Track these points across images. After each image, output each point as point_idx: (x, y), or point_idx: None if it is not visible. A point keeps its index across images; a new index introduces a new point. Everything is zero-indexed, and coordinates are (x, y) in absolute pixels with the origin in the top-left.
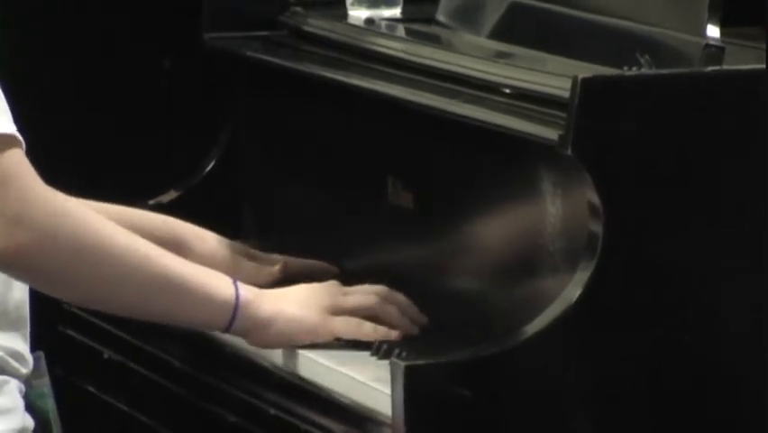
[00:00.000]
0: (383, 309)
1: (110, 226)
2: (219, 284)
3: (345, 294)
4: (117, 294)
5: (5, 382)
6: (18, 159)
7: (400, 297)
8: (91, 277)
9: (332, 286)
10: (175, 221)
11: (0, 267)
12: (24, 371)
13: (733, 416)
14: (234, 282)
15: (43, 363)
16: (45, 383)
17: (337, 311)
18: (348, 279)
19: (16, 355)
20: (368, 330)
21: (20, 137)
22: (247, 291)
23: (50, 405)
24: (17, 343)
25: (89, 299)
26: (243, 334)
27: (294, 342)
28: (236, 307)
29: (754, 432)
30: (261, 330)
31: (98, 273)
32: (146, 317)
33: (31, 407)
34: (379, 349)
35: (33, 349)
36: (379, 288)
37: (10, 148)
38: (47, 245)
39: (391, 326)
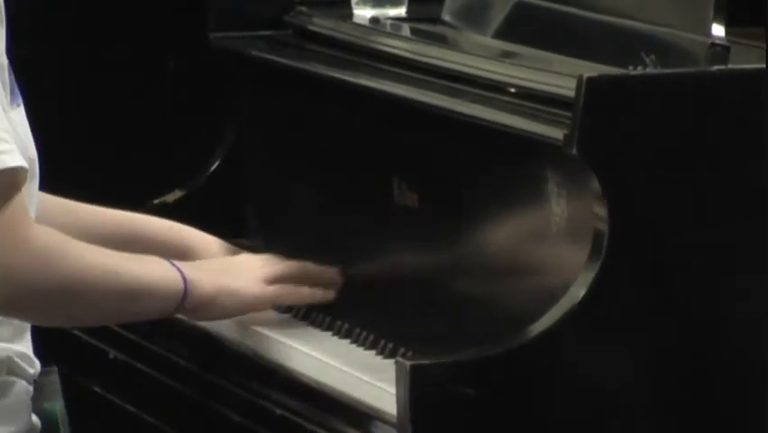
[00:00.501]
0: (310, 269)
1: (89, 255)
2: (168, 274)
3: (274, 263)
4: (96, 315)
5: (12, 384)
6: (13, 205)
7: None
8: (73, 309)
9: (262, 258)
10: (181, 227)
11: None
12: (32, 371)
13: (738, 415)
14: (175, 265)
15: (56, 378)
16: (57, 399)
17: (271, 280)
18: (353, 280)
19: (23, 357)
20: (305, 293)
21: (21, 165)
22: (190, 272)
23: (57, 408)
24: (22, 345)
25: (68, 324)
26: (188, 312)
27: (235, 315)
28: (185, 290)
29: (757, 429)
30: (205, 307)
31: (80, 305)
32: (113, 322)
33: (38, 409)
34: (384, 348)
35: (41, 354)
36: (302, 264)
37: (7, 190)
38: (42, 296)
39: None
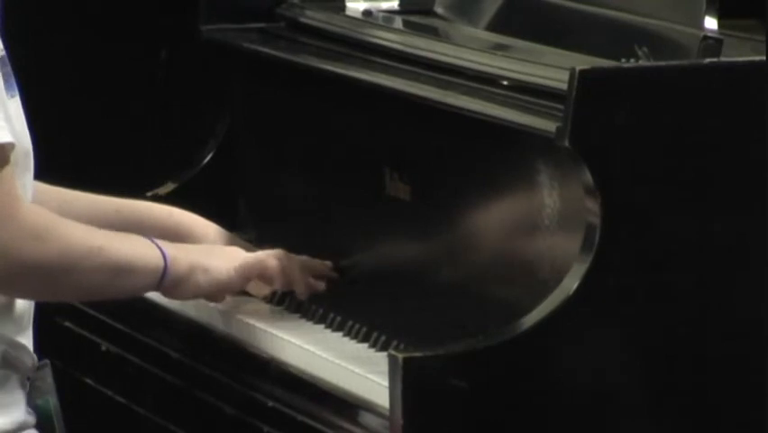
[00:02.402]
0: (286, 268)
1: (77, 232)
2: (149, 251)
3: (257, 255)
4: (82, 290)
5: (8, 377)
6: (3, 181)
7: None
8: (60, 284)
9: (240, 249)
10: (181, 213)
11: None
12: (29, 364)
13: (732, 406)
14: (155, 243)
15: (49, 372)
16: (50, 395)
17: (249, 268)
18: (345, 272)
19: (20, 349)
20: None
21: (10, 141)
22: (170, 249)
23: (51, 403)
24: (23, 338)
25: (55, 299)
26: (166, 290)
27: (208, 292)
28: (165, 267)
29: (753, 422)
30: (181, 283)
31: (68, 280)
32: (98, 298)
33: (31, 405)
34: (376, 341)
35: (34, 347)
36: (281, 252)
37: None
38: (32, 271)
39: (292, 280)
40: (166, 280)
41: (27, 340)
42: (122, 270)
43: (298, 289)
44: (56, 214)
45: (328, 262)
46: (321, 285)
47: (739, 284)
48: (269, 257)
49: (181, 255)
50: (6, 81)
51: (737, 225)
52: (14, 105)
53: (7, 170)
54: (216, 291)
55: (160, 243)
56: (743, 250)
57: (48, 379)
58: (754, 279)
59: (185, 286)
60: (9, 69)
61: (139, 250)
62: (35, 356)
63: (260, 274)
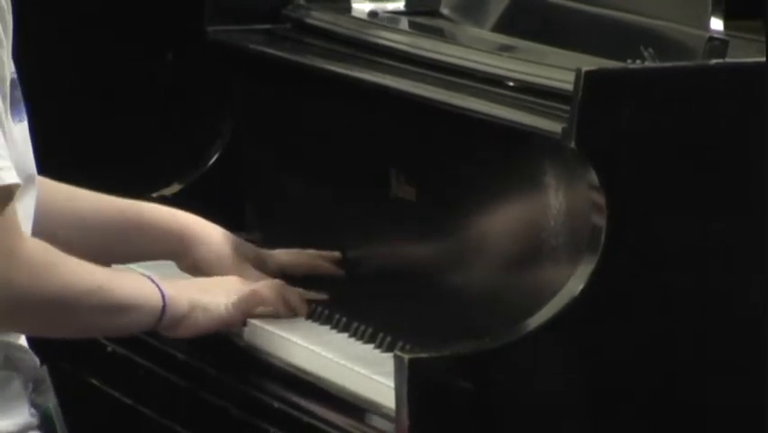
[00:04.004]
0: (283, 302)
1: (77, 270)
2: (148, 291)
3: (253, 285)
4: (78, 328)
5: (11, 379)
6: (6, 219)
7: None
8: (57, 321)
9: (237, 281)
10: (185, 216)
11: None
12: (31, 365)
13: (735, 408)
14: (155, 282)
15: (46, 374)
16: (49, 396)
17: (246, 300)
18: (351, 273)
19: (21, 350)
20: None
21: (17, 182)
22: (169, 289)
23: (51, 405)
24: (20, 339)
25: (52, 335)
26: (165, 329)
27: (207, 330)
28: (164, 306)
29: (754, 422)
30: (180, 323)
31: (64, 318)
32: (94, 336)
33: (34, 404)
34: (382, 342)
35: (39, 348)
36: (277, 282)
37: (1, 205)
38: (30, 308)
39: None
40: (165, 319)
41: (23, 339)
42: (120, 309)
43: (299, 311)
44: (60, 214)
45: (336, 253)
46: (322, 296)
47: (742, 285)
48: (263, 287)
49: (180, 295)
50: (15, 107)
51: (745, 226)
52: (21, 130)
53: (10, 207)
54: (215, 328)
55: (159, 282)
56: (751, 251)
57: (46, 381)
58: (756, 279)
59: (184, 325)
60: (19, 92)
61: (138, 289)
62: (36, 358)
63: (259, 305)
